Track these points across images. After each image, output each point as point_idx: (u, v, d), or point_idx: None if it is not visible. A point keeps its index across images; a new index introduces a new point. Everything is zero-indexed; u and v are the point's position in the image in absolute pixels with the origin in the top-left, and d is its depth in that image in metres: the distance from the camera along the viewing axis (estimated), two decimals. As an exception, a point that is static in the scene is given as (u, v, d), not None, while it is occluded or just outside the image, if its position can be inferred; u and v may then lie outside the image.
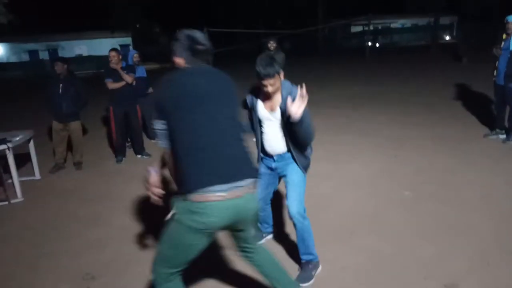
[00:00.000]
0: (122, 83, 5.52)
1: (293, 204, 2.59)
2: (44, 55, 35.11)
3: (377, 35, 35.78)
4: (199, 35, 1.98)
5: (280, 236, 3.33)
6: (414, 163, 4.98)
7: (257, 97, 2.66)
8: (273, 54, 6.21)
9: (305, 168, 2.70)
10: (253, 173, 1.89)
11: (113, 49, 5.67)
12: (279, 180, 2.94)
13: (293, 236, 3.05)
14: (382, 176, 4.63)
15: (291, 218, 2.62)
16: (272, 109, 2.59)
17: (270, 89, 2.45)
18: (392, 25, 40.66)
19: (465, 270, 2.72)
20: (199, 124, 1.82)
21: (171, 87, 1.91)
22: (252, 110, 2.69)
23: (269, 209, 3.12)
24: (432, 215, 3.55)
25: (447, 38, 36.69)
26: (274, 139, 2.65)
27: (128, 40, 36.67)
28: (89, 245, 3.41)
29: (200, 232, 1.81)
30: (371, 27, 24.11)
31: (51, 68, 5.52)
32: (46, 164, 5.59)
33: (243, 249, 2.16)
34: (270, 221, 3.23)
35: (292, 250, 2.94)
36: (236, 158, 1.84)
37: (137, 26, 33.89)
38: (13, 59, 34.37)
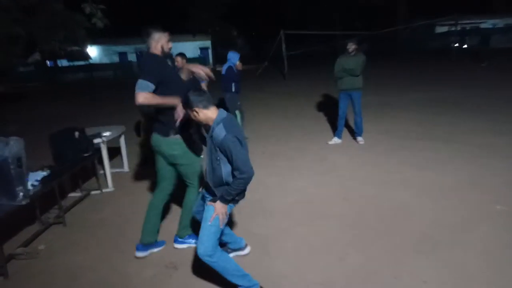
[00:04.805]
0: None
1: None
2: (132, 57, 37.92)
3: (464, 36, 33.18)
4: None
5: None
6: (508, 174, 4.54)
7: None
8: (353, 56, 6.17)
9: None
10: None
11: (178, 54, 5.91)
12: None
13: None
14: (471, 186, 4.29)
15: None
16: None
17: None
18: (482, 26, 37.36)
19: None
20: None
21: None
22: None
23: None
24: (529, 233, 3.22)
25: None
26: None
27: (208, 43, 38.18)
28: (172, 235, 3.47)
29: None
30: (458, 28, 22.27)
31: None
32: (133, 157, 6.03)
33: None
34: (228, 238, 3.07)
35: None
36: None
37: (217, 29, 35.09)
38: (105, 60, 37.58)
